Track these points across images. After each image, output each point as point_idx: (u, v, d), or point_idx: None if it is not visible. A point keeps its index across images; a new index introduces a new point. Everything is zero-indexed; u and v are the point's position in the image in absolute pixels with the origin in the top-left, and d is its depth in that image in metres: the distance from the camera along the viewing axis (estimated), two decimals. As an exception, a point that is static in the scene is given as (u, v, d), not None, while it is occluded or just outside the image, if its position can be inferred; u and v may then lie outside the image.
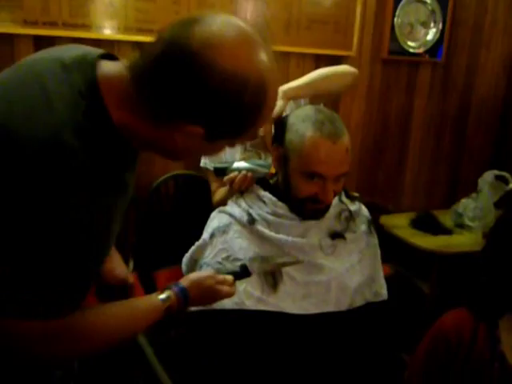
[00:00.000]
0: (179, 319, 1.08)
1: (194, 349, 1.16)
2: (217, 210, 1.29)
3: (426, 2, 2.54)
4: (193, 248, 1.26)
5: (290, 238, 1.19)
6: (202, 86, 0.67)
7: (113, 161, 0.73)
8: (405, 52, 2.55)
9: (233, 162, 1.33)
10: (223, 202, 1.34)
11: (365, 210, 1.35)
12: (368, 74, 2.55)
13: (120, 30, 1.98)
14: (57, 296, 0.70)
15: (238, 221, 1.22)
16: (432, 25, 2.58)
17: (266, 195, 1.25)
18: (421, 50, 2.59)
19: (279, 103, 1.25)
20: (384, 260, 1.36)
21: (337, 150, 1.14)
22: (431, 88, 2.73)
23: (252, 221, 1.21)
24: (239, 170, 1.30)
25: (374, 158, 2.70)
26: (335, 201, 1.26)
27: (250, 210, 1.23)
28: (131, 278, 1.09)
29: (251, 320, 1.13)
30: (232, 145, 0.81)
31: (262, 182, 1.30)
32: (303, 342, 1.14)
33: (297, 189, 1.19)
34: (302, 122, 1.17)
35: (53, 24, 1.87)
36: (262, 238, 1.19)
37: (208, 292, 0.97)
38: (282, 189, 1.25)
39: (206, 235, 1.24)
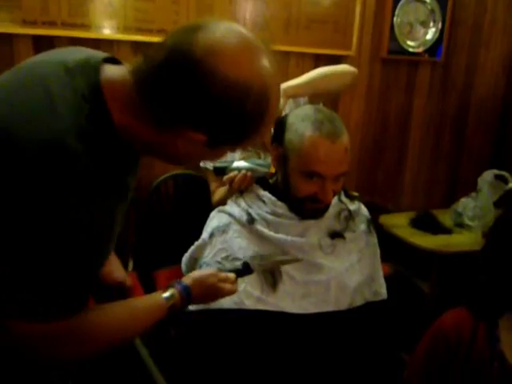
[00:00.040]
0: (179, 319, 1.08)
1: (194, 348, 1.16)
2: (216, 210, 1.29)
3: (425, 2, 2.54)
4: (192, 248, 1.26)
5: (289, 238, 1.19)
6: (204, 94, 0.68)
7: (115, 164, 0.74)
8: (404, 51, 2.55)
9: (232, 162, 1.33)
10: (223, 202, 1.34)
11: (364, 210, 1.35)
12: (367, 74, 2.55)
13: (119, 30, 1.98)
14: (57, 297, 0.70)
15: (238, 220, 1.22)
16: (431, 24, 2.58)
17: (266, 195, 1.25)
18: (420, 50, 2.59)
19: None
20: (383, 259, 1.36)
21: (336, 149, 1.14)
22: (430, 87, 2.73)
23: (251, 220, 1.21)
24: (239, 169, 1.30)
25: (373, 157, 2.70)
26: (334, 200, 1.26)
27: (250, 210, 1.23)
28: (129, 281, 1.10)
29: (251, 319, 1.13)
30: (233, 150, 0.81)
31: (262, 181, 1.30)
32: (303, 342, 1.14)
33: (296, 188, 1.19)
34: (301, 121, 1.17)
35: (52, 24, 1.87)
36: (261, 237, 1.19)
37: (210, 290, 0.97)
38: (281, 188, 1.25)
39: (205, 235, 1.24)
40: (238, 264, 1.06)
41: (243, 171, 1.28)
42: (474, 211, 2.41)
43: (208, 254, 1.21)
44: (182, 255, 1.29)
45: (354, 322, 1.21)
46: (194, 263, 1.25)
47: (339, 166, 1.15)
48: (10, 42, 1.87)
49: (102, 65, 0.74)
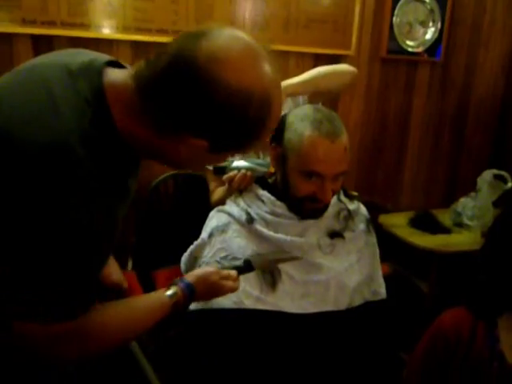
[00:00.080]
0: (178, 319, 1.08)
1: (193, 348, 1.16)
2: (215, 210, 1.29)
3: (424, 2, 2.54)
4: (191, 247, 1.26)
5: (288, 238, 1.19)
6: (207, 101, 0.68)
7: (116, 167, 0.74)
8: (403, 51, 2.55)
9: (232, 161, 1.33)
10: (222, 202, 1.34)
11: (363, 209, 1.35)
12: (367, 73, 2.55)
13: (118, 30, 1.97)
14: (58, 297, 0.71)
15: (237, 220, 1.22)
16: (431, 24, 2.58)
17: (265, 194, 1.25)
18: (419, 50, 2.59)
19: None
20: (383, 259, 1.36)
21: (335, 149, 1.14)
22: (430, 87, 2.74)
23: (250, 220, 1.21)
24: (238, 168, 1.29)
25: (372, 157, 2.70)
26: (334, 200, 1.26)
27: (249, 210, 1.23)
28: (126, 283, 1.10)
29: (250, 319, 1.13)
30: (234, 155, 0.82)
31: (261, 181, 1.30)
32: (302, 342, 1.14)
33: (295, 188, 1.19)
34: (300, 121, 1.17)
35: (51, 23, 1.87)
36: (260, 237, 1.19)
37: (213, 287, 0.99)
38: (280, 188, 1.25)
39: (204, 234, 1.24)
40: (240, 262, 1.07)
41: (243, 170, 1.28)
42: (473, 211, 2.41)
43: (207, 254, 1.21)
44: (182, 255, 1.29)
45: (354, 322, 1.21)
46: (193, 263, 1.25)
47: (338, 165, 1.15)
48: (9, 42, 1.87)
49: (104, 68, 0.74)
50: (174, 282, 0.94)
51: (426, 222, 2.40)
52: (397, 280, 1.53)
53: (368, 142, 2.67)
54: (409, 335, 1.22)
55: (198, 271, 1.00)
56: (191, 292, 0.94)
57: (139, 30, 2.00)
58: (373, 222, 1.37)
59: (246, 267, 1.08)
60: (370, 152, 2.68)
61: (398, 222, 2.44)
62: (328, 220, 1.25)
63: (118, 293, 1.07)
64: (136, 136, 0.73)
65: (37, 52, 1.91)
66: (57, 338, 0.73)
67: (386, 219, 2.48)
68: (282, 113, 1.29)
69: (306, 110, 1.21)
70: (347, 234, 1.26)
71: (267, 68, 0.72)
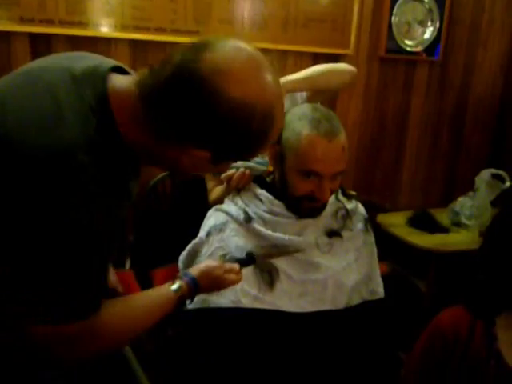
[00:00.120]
0: (177, 318, 1.08)
1: (192, 347, 1.16)
2: (213, 209, 1.29)
3: (423, 1, 2.54)
4: (189, 246, 1.26)
5: (286, 237, 1.19)
6: (210, 114, 0.68)
7: (119, 171, 0.74)
8: (402, 50, 2.56)
9: (230, 160, 1.33)
10: (220, 201, 1.34)
11: (361, 209, 1.35)
12: (365, 73, 2.55)
13: (117, 28, 1.97)
14: (60, 297, 0.71)
15: (235, 219, 1.22)
16: (429, 23, 2.58)
17: (263, 193, 1.25)
18: (418, 49, 2.59)
19: None
20: (381, 258, 1.36)
21: (333, 148, 1.14)
22: (428, 87, 2.74)
23: (248, 219, 1.21)
24: (237, 167, 1.29)
25: (371, 156, 2.70)
26: (332, 199, 1.26)
27: (247, 209, 1.23)
28: (120, 288, 1.11)
29: (248, 318, 1.13)
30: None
31: (259, 180, 1.30)
32: (300, 341, 1.14)
33: (293, 187, 1.19)
34: (298, 120, 1.17)
35: (49, 22, 1.87)
36: (258, 236, 1.19)
37: (216, 281, 1.00)
38: (278, 187, 1.24)
39: (202, 233, 1.24)
40: (244, 253, 1.09)
41: (241, 169, 1.28)
42: (471, 210, 2.41)
43: (205, 253, 1.20)
44: (180, 254, 1.29)
45: (351, 321, 1.21)
46: (191, 261, 1.25)
47: (336, 164, 1.15)
48: (7, 40, 1.86)
49: (109, 74, 0.74)
50: (179, 276, 0.96)
51: (424, 222, 2.41)
52: (395, 279, 1.53)
53: (366, 141, 2.67)
54: (407, 334, 1.22)
55: (201, 265, 1.02)
56: (195, 286, 0.96)
57: (137, 29, 2.00)
58: (371, 222, 1.37)
59: (248, 260, 1.10)
60: (368, 151, 2.69)
61: (396, 222, 2.45)
62: (326, 219, 1.25)
63: (112, 296, 1.07)
64: (138, 143, 0.74)
65: (35, 51, 1.91)
66: (68, 339, 0.74)
67: (384, 218, 2.48)
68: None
69: (305, 108, 1.21)
70: (345, 233, 1.26)
71: (270, 80, 0.72)
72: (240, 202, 1.25)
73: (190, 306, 1.13)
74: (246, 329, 1.13)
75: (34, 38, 1.89)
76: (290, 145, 1.17)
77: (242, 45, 0.73)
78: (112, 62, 0.78)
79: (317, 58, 2.33)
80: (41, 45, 1.91)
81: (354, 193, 1.41)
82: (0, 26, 1.81)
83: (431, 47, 2.61)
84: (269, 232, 1.19)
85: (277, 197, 1.23)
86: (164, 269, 1.73)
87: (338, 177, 1.18)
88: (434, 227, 2.38)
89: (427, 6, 2.55)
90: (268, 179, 1.31)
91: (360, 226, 1.30)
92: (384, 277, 1.34)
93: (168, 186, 2.08)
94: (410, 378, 1.03)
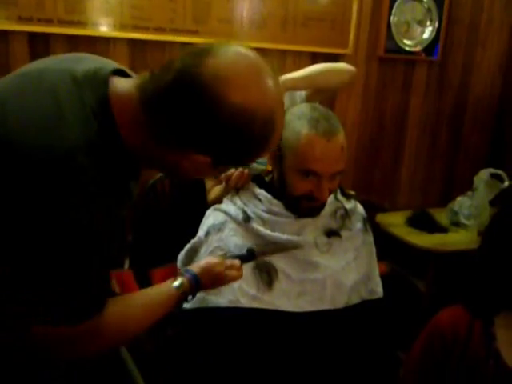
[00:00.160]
0: (176, 318, 1.08)
1: (191, 347, 1.15)
2: (212, 208, 1.29)
3: (422, 1, 2.54)
4: (188, 246, 1.25)
5: (285, 236, 1.19)
6: (211, 120, 0.68)
7: (120, 174, 0.75)
8: (401, 50, 2.56)
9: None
10: (218, 200, 1.34)
11: (360, 208, 1.35)
12: (364, 72, 2.55)
13: (115, 28, 1.97)
14: (61, 298, 0.71)
15: (234, 219, 1.22)
16: (428, 23, 2.58)
17: (262, 193, 1.25)
18: (417, 49, 2.59)
19: None
20: (380, 258, 1.36)
21: (332, 147, 1.14)
22: (427, 86, 2.74)
23: (247, 219, 1.21)
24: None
25: (369, 156, 2.70)
26: (331, 199, 1.26)
27: (246, 208, 1.23)
28: (118, 289, 1.11)
29: (246, 318, 1.13)
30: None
31: (258, 179, 1.30)
32: (298, 340, 1.14)
33: (292, 186, 1.19)
34: (297, 119, 1.17)
35: (48, 21, 1.86)
36: (257, 235, 1.19)
37: (217, 278, 1.01)
38: (277, 186, 1.24)
39: (201, 233, 1.24)
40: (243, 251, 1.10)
41: (240, 169, 1.28)
42: (470, 210, 2.42)
43: (204, 252, 1.20)
44: (178, 253, 1.29)
45: (350, 321, 1.21)
46: (189, 261, 1.25)
47: (335, 164, 1.15)
48: (5, 40, 1.86)
49: (110, 77, 0.74)
50: (180, 273, 0.97)
51: (423, 221, 2.41)
52: (394, 279, 1.53)
53: (365, 140, 2.67)
54: (406, 334, 1.22)
55: (202, 262, 1.02)
56: (197, 282, 0.97)
57: (136, 28, 1.99)
58: (370, 221, 1.37)
59: (248, 256, 1.11)
60: (367, 151, 2.69)
61: (395, 221, 2.45)
62: (325, 219, 1.25)
63: (109, 297, 1.08)
64: (138, 146, 0.74)
65: (33, 50, 1.90)
66: (69, 339, 0.74)
67: (383, 218, 2.48)
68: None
69: (303, 108, 1.21)
70: (344, 233, 1.26)
71: (271, 85, 0.72)
72: (239, 202, 1.25)
73: (188, 305, 1.13)
74: (245, 328, 1.13)
75: (32, 37, 1.88)
76: (289, 144, 1.17)
77: (244, 50, 0.73)
78: (113, 65, 0.78)
79: (316, 58, 2.33)
80: (39, 44, 1.90)
81: (352, 192, 1.41)
82: (-2, 25, 1.81)
83: (430, 47, 2.61)
84: (267, 231, 1.19)
85: (275, 196, 1.23)
86: (163, 268, 1.72)
87: (336, 176, 1.18)
88: (432, 227, 2.38)
89: (426, 5, 2.55)
90: (267, 179, 1.31)
91: (359, 225, 1.30)
92: (383, 276, 1.34)
93: (167, 186, 2.08)
94: (408, 378, 1.03)
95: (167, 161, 0.76)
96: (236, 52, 0.72)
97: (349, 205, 1.31)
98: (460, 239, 2.32)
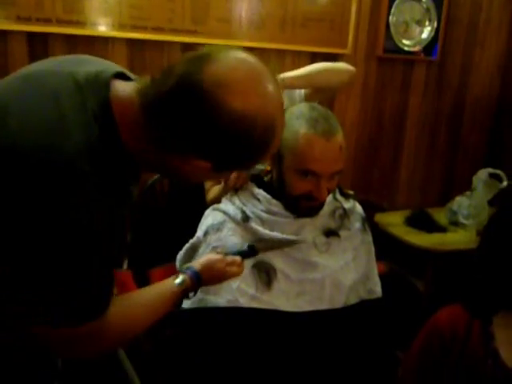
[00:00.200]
0: (175, 318, 1.08)
1: (190, 347, 1.15)
2: (211, 208, 1.29)
3: (420, 1, 2.54)
4: (187, 245, 1.25)
5: (284, 236, 1.19)
6: (211, 126, 0.69)
7: (120, 177, 0.75)
8: (400, 50, 2.56)
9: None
10: (217, 200, 1.34)
11: (359, 208, 1.35)
12: (363, 72, 2.55)
13: (114, 27, 1.97)
14: (58, 298, 0.71)
15: (232, 218, 1.22)
16: (427, 23, 2.58)
17: (261, 193, 1.25)
18: (416, 49, 2.59)
19: None
20: (379, 258, 1.36)
21: (331, 147, 1.14)
22: (426, 86, 2.74)
23: (246, 218, 1.21)
24: None
25: (368, 155, 2.70)
26: (329, 198, 1.26)
27: (244, 208, 1.23)
28: (116, 290, 1.11)
29: (245, 318, 1.13)
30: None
31: (257, 179, 1.30)
32: (297, 340, 1.14)
33: (291, 186, 1.19)
34: (296, 119, 1.17)
35: (46, 20, 1.86)
36: (255, 235, 1.19)
37: (218, 274, 1.03)
38: (276, 186, 1.24)
39: (200, 233, 1.24)
40: (244, 246, 1.11)
41: (239, 169, 1.28)
42: (468, 210, 2.42)
43: (203, 252, 1.20)
44: (177, 253, 1.29)
45: (349, 321, 1.21)
46: (188, 261, 1.25)
47: (334, 164, 1.15)
48: (3, 39, 1.86)
49: (112, 80, 0.74)
50: (181, 270, 0.98)
51: (421, 221, 2.41)
52: (393, 278, 1.53)
53: (364, 140, 2.67)
54: (405, 333, 1.22)
55: (203, 259, 1.03)
56: (198, 279, 0.98)
57: (135, 28, 1.99)
58: (369, 221, 1.37)
59: (249, 251, 1.12)
60: (366, 151, 2.69)
61: (393, 221, 2.45)
62: (324, 218, 1.25)
63: None
64: (139, 150, 0.74)
65: (32, 50, 1.90)
66: (70, 339, 0.74)
67: (382, 218, 2.48)
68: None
69: (302, 108, 1.21)
70: (343, 233, 1.26)
71: (271, 90, 0.73)
72: (237, 202, 1.25)
73: (186, 305, 1.13)
74: (244, 328, 1.13)
75: (31, 37, 1.88)
76: (288, 144, 1.17)
77: (244, 55, 0.73)
78: (114, 68, 0.78)
79: (315, 58, 2.32)
80: (38, 44, 1.90)
81: (351, 192, 1.41)
82: (-3, 24, 1.80)
83: (429, 47, 2.62)
84: (266, 231, 1.19)
85: (274, 196, 1.23)
86: (161, 268, 1.72)
87: (335, 176, 1.18)
88: (431, 226, 2.38)
89: (425, 5, 2.55)
90: (266, 178, 1.31)
91: (358, 225, 1.31)
92: (382, 276, 1.34)
93: (166, 186, 2.08)
94: (407, 377, 1.03)
95: (168, 165, 0.76)
96: (236, 58, 0.72)
97: (347, 204, 1.31)
98: (459, 239, 2.32)
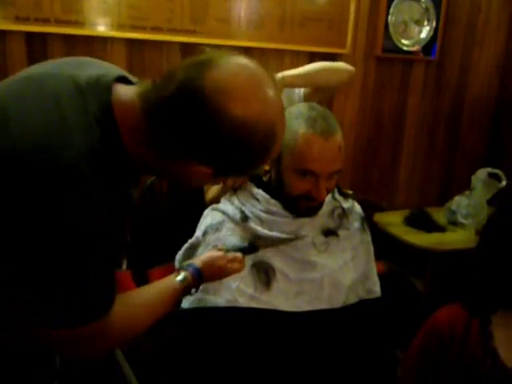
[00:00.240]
0: (174, 318, 1.08)
1: (189, 347, 1.15)
2: (210, 208, 1.29)
3: (419, 0, 2.54)
4: (186, 245, 1.25)
5: (283, 236, 1.19)
6: (212, 132, 0.69)
7: (121, 180, 0.75)
8: (399, 50, 2.56)
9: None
10: (216, 200, 1.34)
11: (358, 207, 1.35)
12: (362, 72, 2.55)
13: (113, 27, 1.97)
14: (58, 298, 0.70)
15: (231, 218, 1.22)
16: (426, 23, 2.59)
17: (259, 193, 1.25)
18: (415, 48, 2.60)
19: None
20: (378, 257, 1.36)
21: (329, 147, 1.14)
22: (425, 86, 2.74)
23: (245, 218, 1.21)
24: None
25: (367, 155, 2.71)
26: (328, 198, 1.26)
27: (243, 208, 1.23)
28: None
29: (244, 318, 1.13)
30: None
31: (255, 179, 1.30)
32: (296, 340, 1.14)
33: (290, 186, 1.19)
34: (294, 118, 1.17)
35: (45, 21, 1.86)
36: (254, 235, 1.19)
37: (219, 271, 1.03)
38: (274, 186, 1.24)
39: (198, 233, 1.24)
40: (245, 243, 1.12)
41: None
42: (467, 209, 2.42)
43: (202, 252, 1.20)
44: (176, 253, 1.29)
45: (348, 320, 1.21)
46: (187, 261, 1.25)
47: (333, 163, 1.15)
48: (2, 39, 1.85)
49: (113, 84, 0.74)
50: (182, 267, 0.99)
51: (420, 221, 2.41)
52: (392, 278, 1.53)
53: (363, 140, 2.67)
54: (404, 333, 1.22)
55: (204, 256, 1.04)
56: (199, 276, 0.98)
57: (134, 28, 1.99)
58: (368, 221, 1.37)
59: (250, 248, 1.13)
60: (365, 151, 2.69)
61: (393, 221, 2.45)
62: (322, 218, 1.25)
63: None
64: (140, 154, 0.74)
65: (30, 50, 1.90)
66: (79, 340, 0.74)
67: (381, 217, 2.48)
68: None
69: (301, 107, 1.21)
70: (342, 232, 1.27)
71: (272, 96, 0.73)
72: (236, 202, 1.25)
73: (186, 305, 1.13)
74: (243, 328, 1.13)
75: (29, 37, 1.88)
76: (287, 144, 1.17)
77: (244, 61, 0.73)
78: (116, 71, 0.78)
79: (313, 58, 2.33)
80: (36, 44, 1.90)
81: (350, 192, 1.41)
82: (-5, 24, 1.80)
83: (428, 47, 2.62)
84: (265, 231, 1.19)
85: (273, 196, 1.23)
86: (161, 268, 1.72)
87: (334, 176, 1.18)
88: (430, 226, 2.38)
89: (424, 5, 2.55)
90: (264, 178, 1.31)
91: (357, 224, 1.31)
92: (381, 276, 1.34)
93: (165, 186, 2.08)
94: (406, 377, 1.03)
95: (168, 169, 0.77)
96: (237, 63, 0.72)
97: (346, 204, 1.31)
98: (458, 238, 2.32)
